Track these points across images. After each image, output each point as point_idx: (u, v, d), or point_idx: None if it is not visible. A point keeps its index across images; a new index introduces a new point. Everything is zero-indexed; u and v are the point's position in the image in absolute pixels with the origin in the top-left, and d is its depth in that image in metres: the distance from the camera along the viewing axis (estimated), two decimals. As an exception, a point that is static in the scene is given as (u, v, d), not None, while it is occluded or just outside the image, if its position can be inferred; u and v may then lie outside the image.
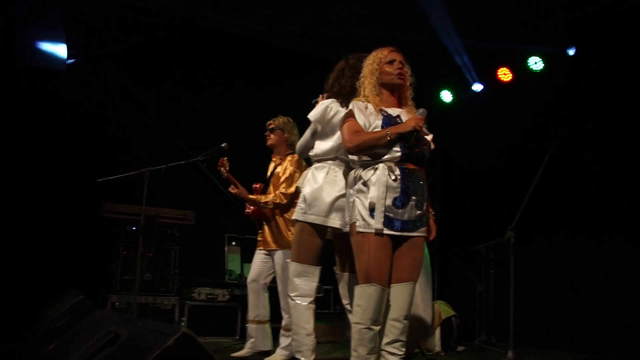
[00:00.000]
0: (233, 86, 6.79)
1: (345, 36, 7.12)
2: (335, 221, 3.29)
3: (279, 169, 4.46)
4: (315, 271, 3.40)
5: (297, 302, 3.36)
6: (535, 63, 6.55)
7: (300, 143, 3.61)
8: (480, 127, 7.21)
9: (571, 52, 6.24)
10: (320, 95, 3.61)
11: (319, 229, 3.35)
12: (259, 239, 4.50)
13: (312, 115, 3.45)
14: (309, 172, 3.51)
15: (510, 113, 6.77)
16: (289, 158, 4.46)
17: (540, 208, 5.47)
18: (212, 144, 4.39)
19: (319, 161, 3.48)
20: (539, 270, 6.13)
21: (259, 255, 4.51)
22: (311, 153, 3.54)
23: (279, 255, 4.33)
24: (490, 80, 7.03)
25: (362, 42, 7.06)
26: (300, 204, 3.42)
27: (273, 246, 4.37)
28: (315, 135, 3.49)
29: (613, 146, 5.82)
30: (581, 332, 5.75)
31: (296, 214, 3.43)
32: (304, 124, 3.58)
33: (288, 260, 3.51)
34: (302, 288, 3.36)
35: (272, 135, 4.55)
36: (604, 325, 5.56)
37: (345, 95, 3.30)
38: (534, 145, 5.46)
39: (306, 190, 3.41)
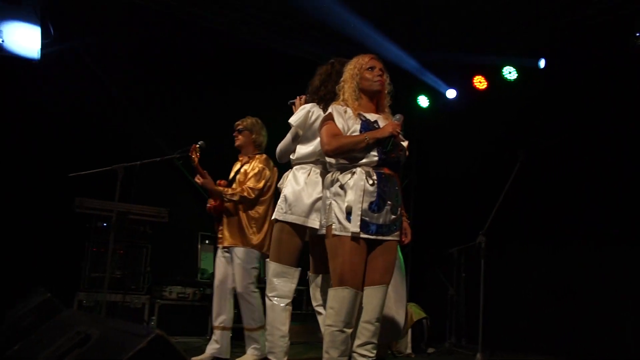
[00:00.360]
0: (213, 84, 6.73)
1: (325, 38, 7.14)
2: (315, 222, 3.29)
3: (246, 167, 4.42)
4: (295, 272, 3.41)
5: (275, 302, 3.36)
6: (510, 73, 6.66)
7: (280, 147, 3.60)
8: (455, 133, 7.30)
9: (542, 63, 6.37)
10: (298, 97, 3.60)
11: (299, 230, 3.35)
12: (219, 235, 4.40)
13: (294, 120, 3.45)
14: (290, 173, 3.50)
15: (484, 120, 6.87)
16: (257, 157, 4.45)
17: (511, 214, 5.55)
18: (189, 142, 4.35)
19: (299, 163, 3.48)
20: (509, 274, 6.23)
21: (221, 256, 4.42)
22: (292, 157, 3.54)
23: (239, 252, 4.25)
24: (466, 87, 7.12)
25: (343, 45, 7.08)
26: (280, 204, 3.42)
27: (232, 242, 4.28)
28: (296, 140, 3.49)
29: (582, 154, 5.96)
30: (548, 335, 5.87)
31: (277, 213, 3.42)
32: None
33: (267, 260, 3.50)
34: (280, 289, 3.36)
35: (240, 136, 4.50)
36: (570, 327, 5.70)
37: (329, 100, 3.30)
38: (506, 152, 5.54)
39: (287, 191, 3.41)
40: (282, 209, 3.39)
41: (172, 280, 5.88)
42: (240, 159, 4.57)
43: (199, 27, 6.57)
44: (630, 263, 5.43)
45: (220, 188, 4.34)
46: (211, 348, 4.32)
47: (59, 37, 5.75)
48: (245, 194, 4.24)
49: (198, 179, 4.33)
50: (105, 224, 5.49)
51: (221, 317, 4.33)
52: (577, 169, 5.97)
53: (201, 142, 4.32)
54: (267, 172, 4.34)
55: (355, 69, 3.12)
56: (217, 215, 4.43)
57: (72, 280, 5.35)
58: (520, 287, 6.23)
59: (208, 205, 4.46)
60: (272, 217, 3.49)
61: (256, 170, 4.33)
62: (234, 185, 4.38)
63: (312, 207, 3.31)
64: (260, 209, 4.34)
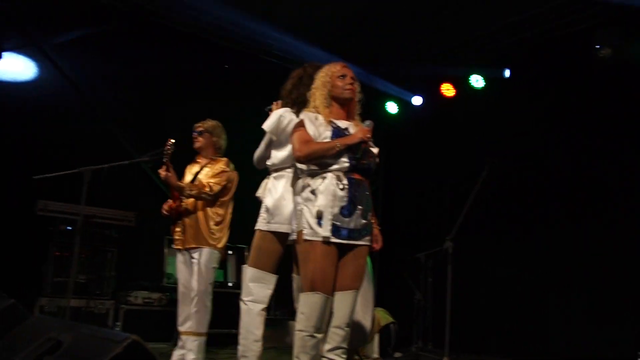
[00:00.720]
0: (181, 86, 6.67)
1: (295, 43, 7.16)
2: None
3: (208, 169, 4.36)
4: (272, 279, 3.42)
5: (250, 307, 3.35)
6: (477, 81, 6.77)
7: (256, 154, 3.60)
8: (423, 140, 7.40)
9: (507, 73, 6.51)
10: (274, 103, 3.60)
11: (281, 237, 3.35)
12: (177, 237, 4.31)
13: (267, 125, 3.45)
14: (269, 182, 3.50)
15: (452, 127, 6.98)
16: (219, 159, 4.42)
17: (477, 220, 5.65)
18: (157, 146, 4.29)
19: (276, 170, 3.49)
20: (475, 279, 6.33)
21: (182, 259, 4.34)
22: (268, 163, 3.54)
23: (200, 252, 4.19)
24: (434, 95, 7.20)
25: (314, 51, 7.10)
26: (262, 214, 3.43)
27: (193, 244, 4.22)
28: (271, 146, 3.50)
29: (545, 163, 6.12)
30: (513, 338, 5.99)
31: (260, 224, 3.43)
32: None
33: (245, 265, 3.49)
34: (256, 293, 3.36)
35: (200, 138, 4.44)
36: (534, 331, 5.83)
37: (301, 104, 3.31)
38: (474, 159, 5.64)
39: (268, 201, 3.42)
40: (264, 219, 3.40)
41: (138, 285, 5.79)
42: (199, 161, 4.49)
43: (168, 28, 6.52)
44: (591, 270, 5.59)
45: (183, 183, 4.26)
46: (177, 354, 4.26)
47: (23, 34, 5.63)
48: (207, 189, 4.19)
49: (162, 171, 4.21)
50: (69, 227, 5.38)
51: (189, 322, 4.28)
52: (542, 176, 6.13)
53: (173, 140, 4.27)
54: (229, 174, 4.33)
55: (326, 76, 3.14)
56: (175, 216, 4.34)
57: (32, 286, 5.22)
58: (486, 291, 6.35)
59: (165, 207, 4.34)
60: (256, 227, 3.47)
61: (219, 170, 4.31)
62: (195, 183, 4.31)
63: (293, 214, 3.31)
64: (220, 210, 4.31)
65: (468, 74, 6.79)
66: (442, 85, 7.10)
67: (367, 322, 4.20)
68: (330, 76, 3.14)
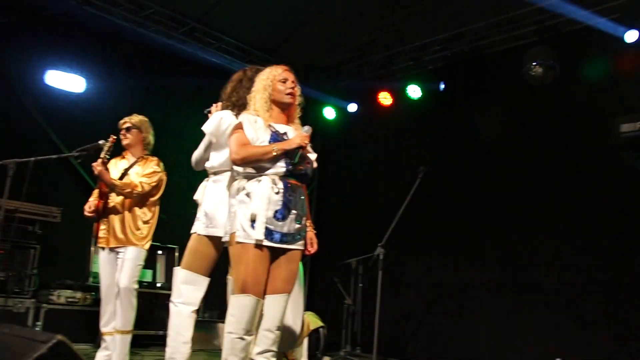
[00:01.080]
0: (115, 81, 6.50)
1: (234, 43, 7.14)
2: None
3: (139, 167, 4.27)
4: (204, 282, 3.38)
5: (180, 308, 3.31)
6: (414, 91, 6.90)
7: (195, 156, 3.56)
8: (359, 146, 7.51)
9: (442, 86, 6.71)
10: (214, 105, 3.57)
11: (217, 242, 3.31)
12: (102, 235, 4.19)
13: (206, 127, 3.42)
14: (207, 186, 3.46)
15: (388, 135, 7.12)
16: (150, 158, 4.34)
17: (408, 227, 5.78)
18: (88, 141, 4.16)
19: (215, 173, 3.45)
20: (404, 284, 6.49)
21: (106, 258, 4.21)
22: (207, 165, 3.50)
23: (128, 251, 4.11)
24: (372, 102, 7.30)
25: (252, 51, 7.12)
26: (200, 217, 3.39)
27: (120, 242, 4.13)
28: (210, 148, 3.46)
29: (475, 174, 6.35)
30: (439, 342, 6.17)
31: (197, 227, 3.38)
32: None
33: (177, 267, 3.44)
34: (187, 295, 3.32)
35: (128, 135, 4.32)
36: (459, 335, 6.03)
37: (241, 107, 3.30)
38: (407, 167, 5.77)
39: (206, 205, 3.39)
40: (202, 222, 3.36)
41: (61, 283, 5.59)
42: (127, 157, 4.38)
43: (105, 19, 6.35)
44: (516, 275, 5.86)
45: (116, 180, 4.14)
46: (101, 355, 4.15)
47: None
48: (139, 189, 4.12)
49: (96, 165, 4.05)
50: (-16, 222, 5.12)
51: (113, 322, 4.16)
52: (471, 185, 6.36)
53: (102, 141, 4.13)
54: (160, 174, 4.26)
55: (268, 79, 3.13)
56: (101, 214, 4.21)
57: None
58: (415, 297, 6.51)
59: (88, 209, 4.19)
60: (192, 230, 3.43)
61: (151, 170, 4.24)
62: (125, 180, 4.21)
63: (234, 218, 3.29)
64: (147, 209, 4.25)
65: (406, 84, 6.91)
66: (379, 94, 7.18)
67: (297, 326, 4.22)
68: (271, 80, 3.13)
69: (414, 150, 6.74)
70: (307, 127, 3.10)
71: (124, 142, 4.34)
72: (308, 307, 6.70)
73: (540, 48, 5.81)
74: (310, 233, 3.16)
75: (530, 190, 5.97)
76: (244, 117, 3.08)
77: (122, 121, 4.37)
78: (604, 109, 5.37)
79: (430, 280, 6.44)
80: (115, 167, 4.31)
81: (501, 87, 6.30)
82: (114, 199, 4.19)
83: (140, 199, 4.20)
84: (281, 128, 3.11)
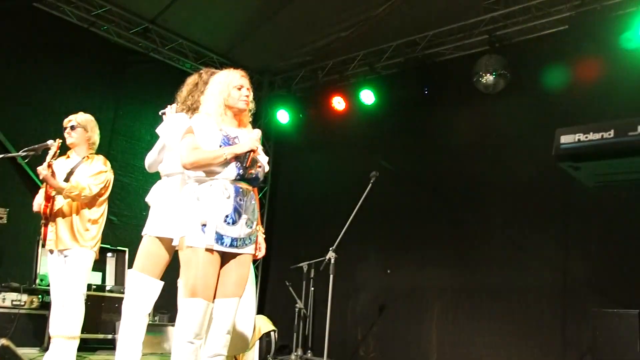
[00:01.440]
0: (67, 80, 6.37)
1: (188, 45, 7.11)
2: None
3: (85, 166, 4.16)
4: (157, 284, 3.37)
5: (133, 312, 3.28)
6: (367, 97, 6.95)
7: (148, 158, 3.53)
8: (312, 150, 7.56)
9: (395, 92, 6.81)
10: (169, 107, 3.56)
11: (169, 244, 3.29)
12: (50, 238, 4.08)
13: (161, 130, 3.40)
14: (160, 188, 3.45)
15: (341, 139, 7.19)
16: (96, 157, 4.25)
17: (360, 231, 5.86)
18: (34, 141, 4.06)
19: (168, 176, 3.44)
20: (355, 288, 6.57)
21: (55, 261, 4.11)
22: (160, 168, 3.48)
23: (75, 253, 4.03)
24: (325, 106, 7.32)
25: (206, 53, 7.10)
26: (152, 219, 3.38)
27: (68, 244, 4.04)
28: (164, 150, 3.45)
29: (427, 179, 6.49)
30: (389, 346, 6.26)
31: (149, 229, 3.36)
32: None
33: (130, 269, 3.41)
34: (140, 298, 3.30)
35: (72, 133, 4.20)
36: (411, 339, 6.14)
37: (196, 110, 3.29)
38: (359, 172, 5.84)
39: (158, 207, 3.37)
40: (154, 224, 3.35)
41: (7, 286, 5.44)
42: (71, 157, 4.26)
43: (58, 18, 6.25)
44: (465, 278, 6.02)
45: (62, 184, 4.04)
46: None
47: None
48: (87, 191, 4.03)
49: (43, 170, 3.94)
50: None
51: (61, 325, 4.07)
52: (421, 191, 6.50)
53: (51, 141, 4.05)
54: (107, 173, 4.18)
55: (223, 84, 3.14)
56: (47, 216, 4.11)
57: None
58: (366, 301, 6.60)
59: (38, 206, 4.09)
60: (144, 232, 3.40)
61: (97, 170, 4.15)
62: (72, 183, 4.10)
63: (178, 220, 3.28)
64: (95, 210, 4.16)
65: (359, 90, 6.98)
66: (333, 99, 7.22)
67: (247, 329, 4.24)
68: (227, 84, 3.14)
69: (367, 155, 6.82)
70: (257, 131, 3.13)
71: (69, 140, 4.22)
72: (260, 310, 6.73)
73: (491, 56, 5.98)
74: (260, 237, 3.19)
75: (481, 196, 6.14)
76: (195, 120, 3.08)
77: (67, 119, 4.24)
78: (551, 117, 5.55)
79: (381, 284, 6.54)
80: (60, 167, 4.18)
81: (453, 94, 6.44)
82: (61, 201, 4.10)
83: (89, 200, 4.13)
84: (232, 132, 3.11)
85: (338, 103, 7.23)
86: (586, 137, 1.38)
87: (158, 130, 3.42)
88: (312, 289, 6.24)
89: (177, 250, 3.33)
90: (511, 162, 5.93)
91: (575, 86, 5.58)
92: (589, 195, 4.83)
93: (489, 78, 5.95)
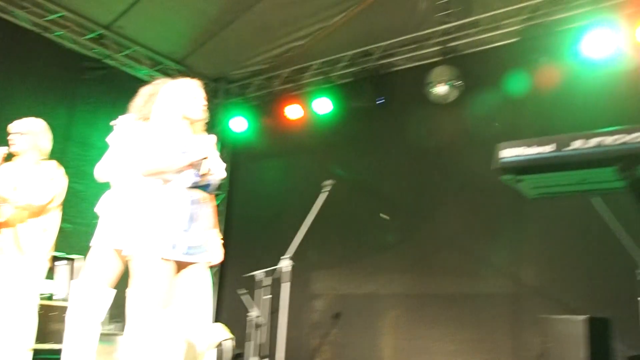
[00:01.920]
0: (20, 86, 6.22)
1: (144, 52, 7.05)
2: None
3: (34, 175, 4.05)
4: (109, 293, 3.33)
5: (83, 321, 3.25)
6: (322, 106, 7.00)
7: (99, 166, 3.48)
8: (268, 158, 7.57)
9: (351, 101, 6.90)
10: (120, 117, 3.53)
11: (119, 254, 3.26)
12: None
13: (112, 139, 3.37)
14: (111, 197, 3.41)
15: (296, 148, 7.24)
16: (47, 163, 4.13)
17: (316, 239, 5.90)
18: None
19: (120, 185, 3.40)
20: (311, 296, 6.60)
21: (4, 270, 3.98)
22: (111, 176, 3.44)
23: (25, 263, 3.94)
24: (280, 115, 7.32)
25: (161, 60, 7.06)
26: (103, 229, 3.34)
27: (16, 254, 3.94)
28: (115, 159, 3.41)
29: (380, 187, 6.59)
30: (343, 354, 6.31)
31: (99, 238, 3.32)
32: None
33: (76, 279, 3.36)
34: (91, 308, 3.26)
35: (21, 140, 4.04)
36: (364, 347, 6.20)
37: (151, 120, 3.28)
38: (314, 180, 5.89)
39: (109, 216, 3.34)
40: (104, 233, 3.31)
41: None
42: (20, 164, 4.11)
43: (8, 22, 6.12)
44: (420, 285, 6.12)
45: (8, 196, 3.92)
46: None
47: None
48: (37, 200, 3.93)
49: None
50: None
51: (11, 337, 3.97)
52: (375, 199, 6.59)
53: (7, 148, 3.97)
54: (59, 180, 4.09)
55: (178, 94, 3.15)
56: None
57: None
58: (321, 309, 6.64)
59: None
60: (94, 242, 3.36)
61: (48, 177, 4.03)
62: (20, 191, 3.99)
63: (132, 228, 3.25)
64: (47, 218, 4.05)
65: (313, 99, 7.03)
66: (288, 107, 7.23)
67: (203, 337, 4.22)
68: (183, 94, 3.15)
69: (322, 164, 6.86)
70: (211, 138, 3.14)
71: (15, 147, 4.06)
72: (217, 318, 6.68)
73: (443, 67, 6.11)
74: (216, 244, 3.19)
75: (433, 204, 6.26)
76: (151, 129, 3.08)
77: (11, 125, 4.09)
78: (500, 128, 5.72)
79: (336, 292, 6.59)
80: (8, 176, 4.04)
81: (406, 104, 6.55)
82: (10, 210, 3.97)
83: (38, 209, 4.01)
84: (187, 140, 3.12)
85: (293, 111, 7.24)
86: (525, 152, 1.45)
87: (109, 140, 3.38)
88: (269, 296, 6.23)
89: (129, 260, 3.32)
90: (462, 171, 6.06)
91: (524, 98, 5.74)
92: (538, 204, 4.97)
93: (440, 89, 6.09)
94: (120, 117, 3.50)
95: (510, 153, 1.53)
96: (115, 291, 3.37)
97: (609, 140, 1.39)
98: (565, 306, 5.07)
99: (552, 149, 1.47)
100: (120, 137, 3.36)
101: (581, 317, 4.18)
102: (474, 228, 5.93)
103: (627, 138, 1.43)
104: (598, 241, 4.95)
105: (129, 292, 3.41)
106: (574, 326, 4.18)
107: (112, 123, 3.51)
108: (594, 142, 1.40)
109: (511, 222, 5.73)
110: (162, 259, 2.87)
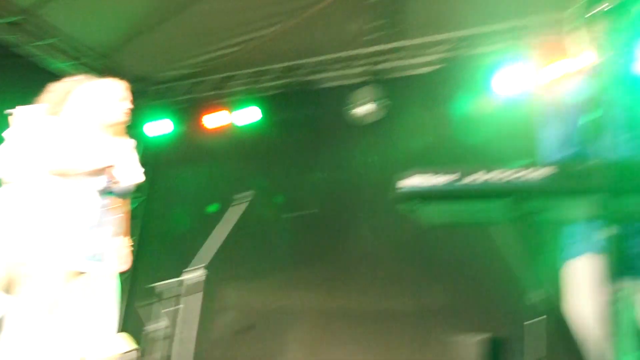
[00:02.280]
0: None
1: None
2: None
3: None
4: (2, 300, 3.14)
5: None
6: (246, 116, 6.97)
7: None
8: (189, 166, 7.46)
9: (273, 114, 6.90)
10: (19, 108, 3.30)
11: (11, 259, 3.05)
12: None
13: (9, 133, 3.16)
14: (2, 197, 3.19)
15: (217, 157, 7.18)
16: None
17: (230, 250, 5.85)
18: None
19: (13, 183, 3.19)
20: (222, 308, 6.52)
21: None
22: (3, 174, 3.23)
23: None
24: (202, 123, 7.23)
25: (84, 51, 6.77)
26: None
27: None
28: (11, 155, 3.20)
29: (297, 201, 6.64)
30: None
31: None
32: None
33: None
34: None
35: None
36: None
37: (67, 117, 3.11)
38: (233, 191, 5.86)
39: (10, 219, 3.11)
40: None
41: None
42: None
43: None
44: (347, 295, 6.16)
45: None
46: None
47: None
48: None
49: None
50: None
51: None
52: (296, 210, 6.62)
53: None
54: None
55: (104, 95, 3.05)
56: None
57: None
58: (232, 321, 6.56)
59: None
60: None
61: None
62: None
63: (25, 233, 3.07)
64: None
65: (237, 109, 7.01)
66: (210, 115, 7.16)
67: (107, 347, 4.07)
68: (107, 96, 3.06)
69: (242, 175, 6.84)
70: (129, 142, 3.06)
71: None
72: (123, 327, 6.45)
73: (366, 89, 6.25)
74: (124, 250, 3.10)
75: (346, 222, 6.34)
76: (64, 128, 2.95)
77: None
78: (414, 154, 5.88)
79: (250, 304, 6.53)
80: None
81: (329, 121, 6.65)
82: None
83: None
84: (105, 143, 3.02)
85: (217, 119, 7.17)
86: (422, 182, 1.50)
87: (5, 134, 3.14)
88: (180, 306, 6.11)
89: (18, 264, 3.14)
90: (376, 192, 6.15)
91: (441, 125, 5.93)
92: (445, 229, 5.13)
93: (360, 109, 6.21)
94: (20, 108, 3.27)
95: (405, 183, 1.57)
96: (9, 298, 3.19)
97: (500, 176, 1.45)
98: (471, 324, 5.21)
99: (445, 181, 1.51)
100: (20, 130, 3.15)
101: (476, 339, 4.31)
102: (385, 247, 6.03)
103: (521, 174, 1.49)
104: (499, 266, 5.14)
105: (12, 298, 3.22)
106: (469, 346, 4.31)
107: (7, 112, 3.26)
108: (487, 176, 1.46)
109: (416, 242, 5.81)
110: (59, 265, 2.74)
